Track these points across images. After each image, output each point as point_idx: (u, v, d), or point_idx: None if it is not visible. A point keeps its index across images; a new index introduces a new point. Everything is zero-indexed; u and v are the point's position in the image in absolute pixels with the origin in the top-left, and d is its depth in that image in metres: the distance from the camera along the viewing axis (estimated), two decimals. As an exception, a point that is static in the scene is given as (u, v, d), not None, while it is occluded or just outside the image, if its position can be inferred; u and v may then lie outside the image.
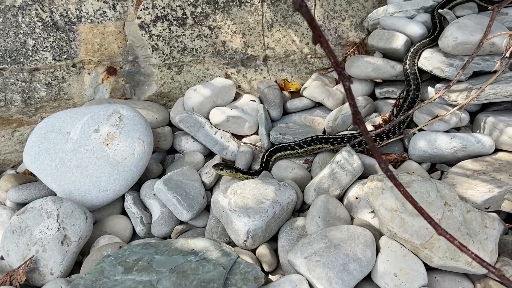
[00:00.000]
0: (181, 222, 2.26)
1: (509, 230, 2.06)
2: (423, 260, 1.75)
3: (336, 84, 3.09)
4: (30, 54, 2.79)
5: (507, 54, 2.06)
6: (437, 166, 2.45)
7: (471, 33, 2.36)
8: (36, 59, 2.81)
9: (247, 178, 2.33)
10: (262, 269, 1.97)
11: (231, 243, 2.04)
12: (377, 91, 2.87)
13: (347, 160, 2.17)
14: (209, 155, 2.75)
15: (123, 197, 2.39)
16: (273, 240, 2.06)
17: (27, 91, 2.87)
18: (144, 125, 2.42)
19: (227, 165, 2.39)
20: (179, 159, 2.66)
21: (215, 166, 2.33)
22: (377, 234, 1.90)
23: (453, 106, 2.44)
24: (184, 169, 2.38)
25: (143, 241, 2.07)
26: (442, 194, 1.85)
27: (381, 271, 1.74)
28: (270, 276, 1.97)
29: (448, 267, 1.72)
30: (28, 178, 2.61)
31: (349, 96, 1.44)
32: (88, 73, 2.95)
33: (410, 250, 1.77)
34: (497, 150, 2.38)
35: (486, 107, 2.64)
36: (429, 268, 1.79)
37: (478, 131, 2.52)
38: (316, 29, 1.04)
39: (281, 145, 2.46)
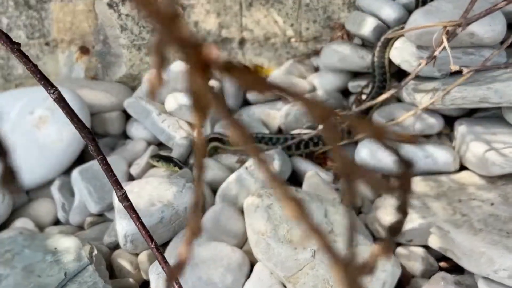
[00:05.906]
0: (96, 214, 2.19)
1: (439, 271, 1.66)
2: (291, 296, 1.48)
3: (316, 72, 2.74)
4: (6, 32, 2.86)
5: (437, 52, 1.60)
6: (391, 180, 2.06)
7: (441, 19, 1.89)
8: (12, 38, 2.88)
9: None
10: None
11: (123, 244, 1.92)
12: (350, 85, 2.48)
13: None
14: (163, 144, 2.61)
15: (60, 180, 2.38)
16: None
17: (6, 68, 2.98)
18: (79, 110, 2.35)
19: (166, 157, 2.21)
20: (124, 145, 2.58)
21: (152, 157, 2.18)
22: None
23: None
24: (112, 158, 2.29)
25: (31, 232, 2.03)
26: (331, 220, 1.52)
27: (244, 301, 1.50)
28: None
29: (313, 310, 1.43)
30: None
31: (65, 111, 1.24)
32: (62, 52, 2.97)
33: (280, 280, 1.50)
34: (464, 168, 1.92)
35: (474, 112, 2.14)
36: (307, 305, 1.50)
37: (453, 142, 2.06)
38: None
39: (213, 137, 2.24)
